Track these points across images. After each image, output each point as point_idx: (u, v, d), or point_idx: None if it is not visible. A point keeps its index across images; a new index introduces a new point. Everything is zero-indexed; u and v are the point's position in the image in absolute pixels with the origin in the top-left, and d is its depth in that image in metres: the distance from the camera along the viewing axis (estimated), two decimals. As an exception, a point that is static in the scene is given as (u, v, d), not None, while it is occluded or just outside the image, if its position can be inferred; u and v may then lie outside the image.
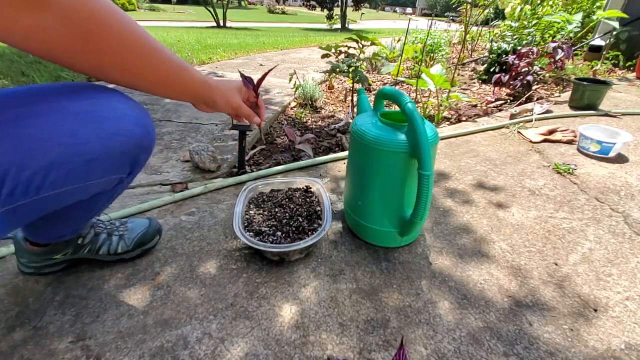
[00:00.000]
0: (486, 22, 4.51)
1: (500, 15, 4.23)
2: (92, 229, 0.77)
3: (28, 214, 0.48)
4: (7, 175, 0.41)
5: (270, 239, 0.82)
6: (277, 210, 0.92)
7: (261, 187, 1.01)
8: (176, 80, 0.52)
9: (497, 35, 3.40)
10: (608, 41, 3.26)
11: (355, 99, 2.11)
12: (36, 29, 0.35)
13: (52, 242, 0.71)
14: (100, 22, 0.39)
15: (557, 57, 2.21)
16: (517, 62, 2.23)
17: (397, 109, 0.76)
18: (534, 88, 2.44)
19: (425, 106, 1.96)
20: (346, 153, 1.37)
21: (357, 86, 1.89)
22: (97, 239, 0.76)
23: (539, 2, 3.06)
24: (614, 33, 3.11)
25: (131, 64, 0.45)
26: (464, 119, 1.96)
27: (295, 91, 2.22)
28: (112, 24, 0.40)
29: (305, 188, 1.03)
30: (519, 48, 2.40)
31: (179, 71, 0.52)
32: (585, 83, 2.00)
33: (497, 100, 2.28)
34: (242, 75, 0.68)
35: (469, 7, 3.19)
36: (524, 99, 2.24)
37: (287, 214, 0.90)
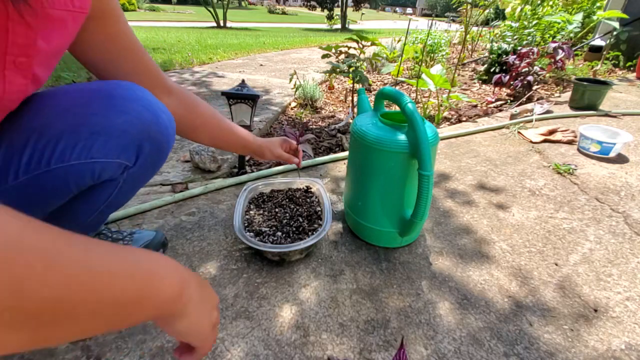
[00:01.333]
0: (486, 22, 4.51)
1: (500, 15, 4.23)
2: (98, 236, 0.77)
3: (38, 193, 0.50)
4: (28, 141, 0.47)
5: (270, 239, 0.82)
6: (277, 210, 0.92)
7: (261, 187, 1.01)
8: (241, 143, 0.79)
9: (497, 35, 3.40)
10: (608, 41, 3.26)
11: (355, 99, 2.11)
12: (169, 107, 0.61)
13: None
14: (196, 100, 0.71)
15: (557, 57, 2.21)
16: (517, 62, 2.23)
17: (397, 109, 0.76)
18: (534, 88, 2.44)
19: (425, 106, 1.96)
20: (346, 153, 1.37)
21: (357, 86, 1.89)
22: None
23: (539, 2, 3.06)
24: (614, 33, 3.11)
25: (214, 132, 0.74)
26: (464, 119, 1.96)
27: (295, 91, 2.22)
28: (201, 102, 0.72)
29: (305, 188, 1.03)
30: (519, 48, 2.40)
31: (243, 136, 0.78)
32: (585, 83, 2.00)
33: (497, 100, 2.28)
34: (287, 132, 1.00)
35: (469, 7, 3.19)
36: (524, 99, 2.24)
37: (287, 214, 0.90)
